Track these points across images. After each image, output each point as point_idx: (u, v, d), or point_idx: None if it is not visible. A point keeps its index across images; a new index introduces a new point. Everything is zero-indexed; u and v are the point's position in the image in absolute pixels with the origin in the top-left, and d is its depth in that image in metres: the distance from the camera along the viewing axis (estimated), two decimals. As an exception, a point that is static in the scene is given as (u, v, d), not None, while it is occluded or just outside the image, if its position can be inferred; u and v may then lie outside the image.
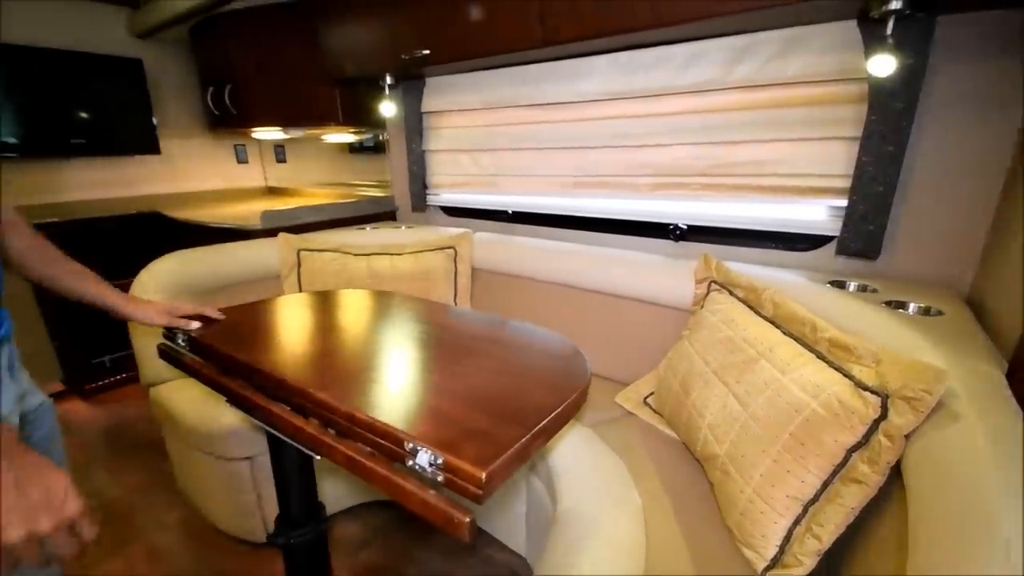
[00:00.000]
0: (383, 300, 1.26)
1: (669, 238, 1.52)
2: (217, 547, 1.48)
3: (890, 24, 0.96)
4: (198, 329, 0.99)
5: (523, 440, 0.62)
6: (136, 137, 2.54)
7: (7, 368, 0.83)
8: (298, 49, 1.99)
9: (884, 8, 0.94)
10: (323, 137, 2.87)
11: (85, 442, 2.05)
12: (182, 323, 0.98)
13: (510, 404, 0.71)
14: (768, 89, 1.25)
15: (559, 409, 0.71)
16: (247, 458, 1.33)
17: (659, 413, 1.30)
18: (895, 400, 0.69)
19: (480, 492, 0.55)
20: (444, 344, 0.95)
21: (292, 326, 1.05)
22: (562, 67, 1.52)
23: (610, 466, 1.12)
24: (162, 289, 1.46)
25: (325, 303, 1.21)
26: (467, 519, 0.56)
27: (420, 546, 1.48)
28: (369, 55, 1.71)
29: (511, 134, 1.77)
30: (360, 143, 3.12)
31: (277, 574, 1.38)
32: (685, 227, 1.49)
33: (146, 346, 1.44)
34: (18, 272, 0.91)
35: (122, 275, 1.52)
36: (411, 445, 0.61)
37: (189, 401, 1.36)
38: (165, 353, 1.04)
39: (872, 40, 1.06)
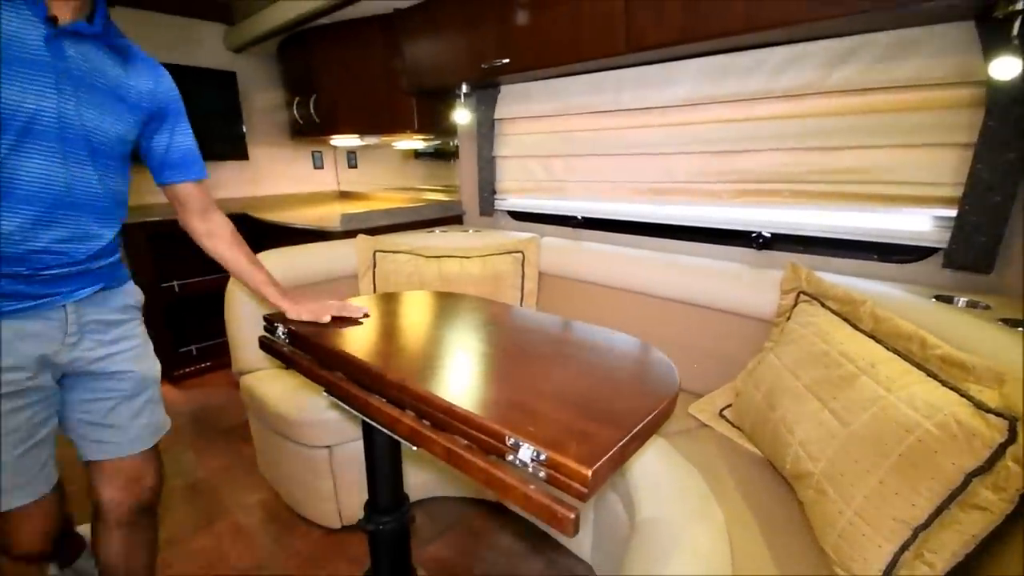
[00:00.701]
0: (458, 301, 1.30)
1: (751, 246, 1.48)
2: (295, 529, 1.58)
3: (1016, 25, 0.89)
4: (296, 323, 1.06)
5: (623, 441, 0.63)
6: (228, 144, 2.77)
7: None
8: (379, 61, 2.10)
9: (1011, 8, 0.88)
10: (393, 144, 3.00)
11: (173, 426, 2.23)
12: (324, 320, 1.05)
13: (602, 406, 0.72)
14: (871, 94, 1.19)
15: (653, 414, 0.71)
16: (327, 447, 1.41)
17: (738, 427, 1.27)
18: (1028, 424, 0.64)
19: (585, 490, 0.57)
20: (526, 345, 0.97)
21: (377, 324, 1.10)
22: (648, 73, 1.52)
23: (688, 478, 1.10)
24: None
25: (403, 303, 1.27)
26: (572, 515, 0.57)
27: (486, 545, 1.51)
28: (449, 66, 1.78)
29: (584, 140, 1.78)
30: (427, 149, 3.25)
31: (350, 558, 1.46)
32: (769, 235, 1.45)
33: (241, 336, 1.56)
34: (204, 248, 1.15)
35: (214, 271, 1.66)
36: (512, 440, 0.63)
37: (277, 390, 1.46)
38: (265, 345, 1.13)
39: (993, 42, 0.99)
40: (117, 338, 0.99)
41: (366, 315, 1.09)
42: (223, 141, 2.76)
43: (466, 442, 0.70)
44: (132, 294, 1.06)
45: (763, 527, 0.95)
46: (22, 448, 0.89)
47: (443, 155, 3.16)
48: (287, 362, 1.06)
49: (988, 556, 0.68)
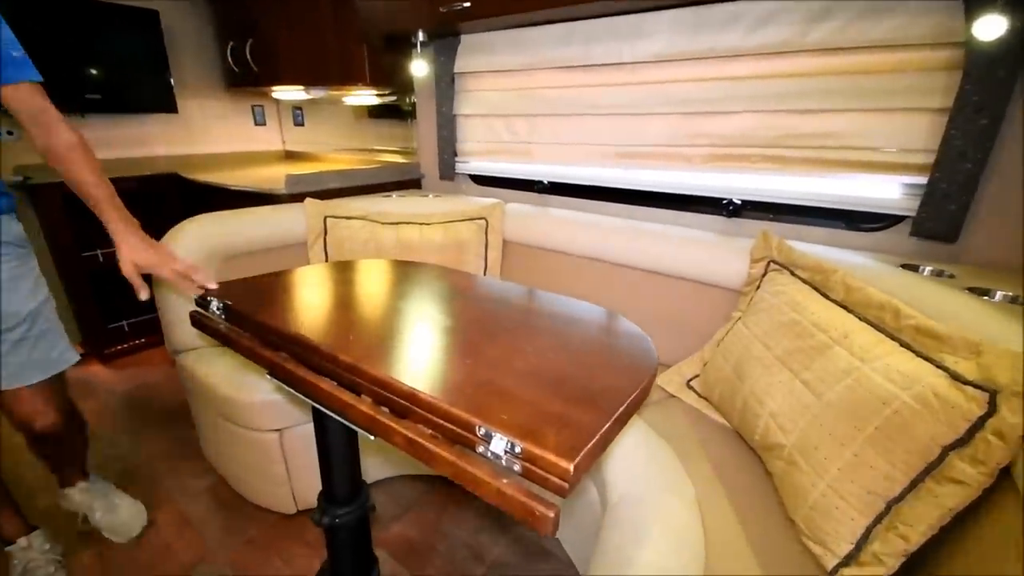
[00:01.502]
0: (418, 271, 1.21)
1: (721, 214, 1.45)
2: (247, 516, 1.49)
3: (1004, -22, 0.86)
4: (223, 294, 0.95)
5: (605, 427, 0.58)
6: (152, 95, 2.47)
7: None
8: (326, 2, 1.89)
9: (1001, -41, 0.84)
10: (344, 99, 2.77)
11: (106, 407, 2.06)
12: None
13: (579, 385, 0.67)
14: (848, 54, 1.16)
15: (635, 394, 0.66)
16: (277, 430, 1.31)
17: (705, 398, 1.26)
18: (1007, 396, 0.64)
19: (566, 485, 0.51)
20: (493, 318, 0.90)
21: (329, 297, 1.01)
22: (619, 24, 1.42)
23: (658, 451, 1.08)
24: (192, 250, 1.43)
25: (358, 273, 1.17)
26: (551, 513, 0.52)
27: (450, 521, 1.47)
28: (403, 9, 1.61)
29: (551, 99, 1.68)
30: (381, 107, 3.02)
31: (307, 543, 1.39)
32: (740, 202, 1.42)
33: (173, 312, 1.41)
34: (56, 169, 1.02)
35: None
36: (484, 430, 0.57)
37: (217, 371, 1.34)
38: (198, 321, 1.01)
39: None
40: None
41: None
42: (146, 90, 2.46)
43: (431, 431, 0.64)
44: (13, 228, 1.06)
45: (733, 500, 0.95)
46: None
47: (400, 113, 2.95)
48: (224, 341, 0.95)
49: (965, 529, 0.69)
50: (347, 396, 0.72)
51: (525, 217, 1.79)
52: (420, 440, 0.63)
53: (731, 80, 1.31)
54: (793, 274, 1.13)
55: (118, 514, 1.40)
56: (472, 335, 0.82)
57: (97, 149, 1.07)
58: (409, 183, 2.23)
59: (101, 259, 2.25)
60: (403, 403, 0.65)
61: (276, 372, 0.83)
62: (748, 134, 1.33)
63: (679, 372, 1.37)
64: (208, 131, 2.78)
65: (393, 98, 2.52)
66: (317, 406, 0.80)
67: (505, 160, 1.93)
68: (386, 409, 0.69)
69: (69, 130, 1.03)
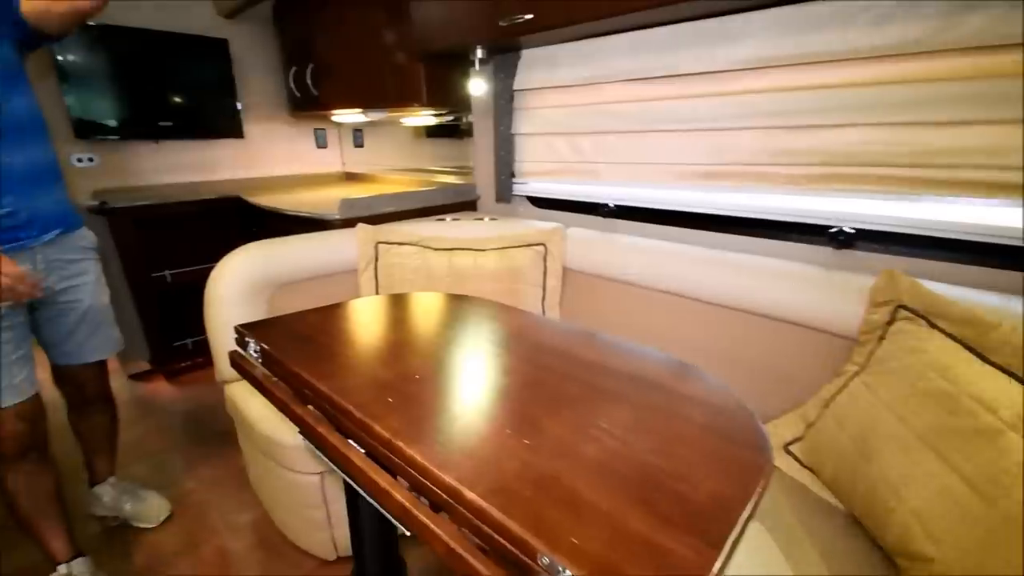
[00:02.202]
0: (468, 310, 1.10)
1: (828, 244, 1.24)
2: (286, 558, 1.42)
3: None
4: (263, 336, 0.88)
5: (716, 568, 0.42)
6: (221, 121, 2.58)
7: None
8: (383, 22, 1.87)
9: None
10: (402, 120, 2.77)
11: (165, 425, 2.10)
12: None
13: (673, 492, 0.51)
14: (1006, 52, 0.93)
15: (749, 507, 0.50)
16: (318, 473, 1.24)
17: (810, 469, 1.05)
18: None
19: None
20: (556, 377, 0.76)
21: (370, 343, 0.91)
22: (704, 29, 1.26)
23: (755, 536, 0.89)
24: (242, 279, 1.41)
25: (405, 312, 1.07)
26: None
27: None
28: (461, 25, 1.54)
29: (621, 114, 1.53)
30: (438, 127, 3.00)
31: (345, 601, 1.29)
32: (852, 231, 1.20)
33: (220, 341, 1.38)
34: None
35: (207, 260, 1.51)
36: (547, 560, 0.43)
37: (260, 407, 1.28)
38: (235, 363, 0.95)
39: None
40: (75, 273, 1.25)
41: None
42: (215, 117, 2.56)
43: (478, 542, 0.51)
44: (86, 237, 1.30)
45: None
46: (13, 357, 1.12)
47: (456, 132, 2.92)
48: (259, 388, 0.87)
49: None
50: (381, 477, 0.60)
51: (589, 243, 1.65)
52: (463, 553, 0.50)
53: (844, 87, 1.11)
54: (933, 325, 0.91)
55: (147, 503, 1.55)
56: (531, 401, 0.69)
57: (168, 174, 1.40)
58: (464, 205, 2.15)
59: (168, 279, 2.33)
60: (446, 499, 0.53)
61: (307, 433, 0.74)
62: (865, 150, 1.12)
63: (774, 432, 1.16)
64: (272, 154, 2.87)
65: (450, 117, 2.47)
66: (348, 480, 0.69)
67: (567, 181, 1.80)
68: (425, 501, 0.57)
69: None
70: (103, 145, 2.30)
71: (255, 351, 0.90)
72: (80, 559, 1.30)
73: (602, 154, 1.64)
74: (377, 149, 3.26)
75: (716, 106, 1.31)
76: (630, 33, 1.39)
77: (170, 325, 2.40)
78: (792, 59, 1.15)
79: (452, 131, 2.97)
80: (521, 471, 0.53)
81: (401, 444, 0.58)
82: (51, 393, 1.33)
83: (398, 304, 1.12)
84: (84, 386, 1.38)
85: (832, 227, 1.22)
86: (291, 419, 0.77)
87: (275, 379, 0.85)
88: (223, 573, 1.39)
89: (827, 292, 1.17)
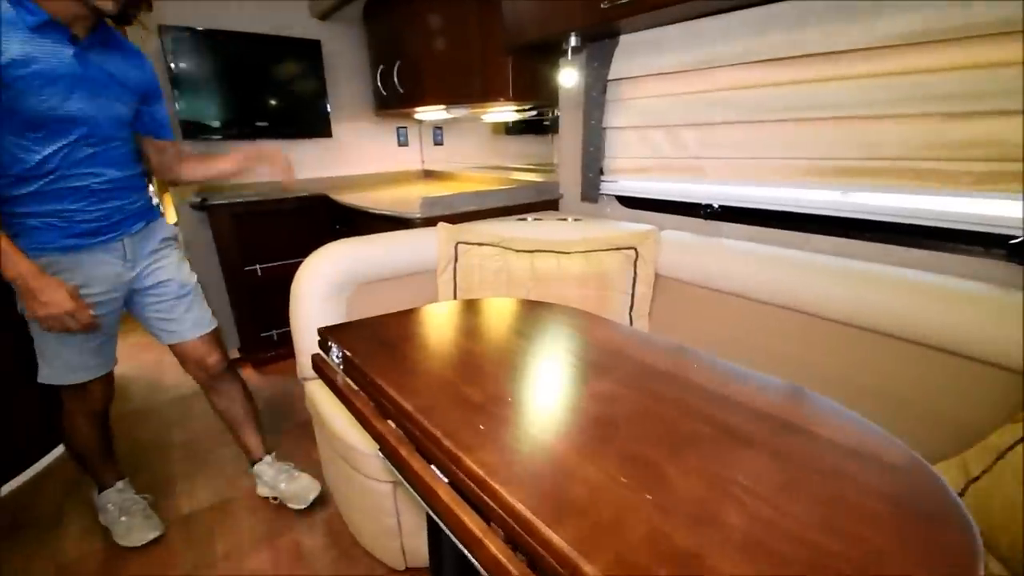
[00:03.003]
0: (561, 320, 1.00)
1: (999, 256, 1.01)
2: (356, 562, 1.41)
3: None
4: (348, 341, 0.83)
5: None
6: (312, 121, 2.67)
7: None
8: (471, 16, 1.82)
9: None
10: (483, 116, 2.73)
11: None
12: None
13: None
14: None
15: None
16: (391, 482, 1.19)
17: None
18: None
19: None
20: (669, 408, 0.64)
21: (455, 355, 0.84)
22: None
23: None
24: (325, 278, 1.41)
25: (491, 320, 1.00)
26: None
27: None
28: (559, 9, 1.44)
29: (737, 102, 1.36)
30: (518, 123, 2.93)
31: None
32: (1041, 243, 0.96)
33: (305, 339, 1.38)
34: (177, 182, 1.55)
35: (295, 255, 1.55)
36: None
37: (339, 410, 1.26)
38: (317, 367, 0.92)
39: None
40: (161, 259, 1.38)
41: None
42: (306, 117, 2.66)
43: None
44: (167, 228, 1.44)
45: None
46: (103, 339, 1.33)
47: (536, 128, 2.84)
48: (339, 396, 0.83)
49: None
50: (472, 521, 0.52)
51: (686, 247, 1.49)
52: (578, 640, 0.40)
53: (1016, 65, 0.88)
54: None
55: (300, 483, 1.62)
56: (645, 440, 0.57)
57: (259, 174, 1.52)
58: (546, 204, 2.06)
59: (259, 273, 2.45)
60: (555, 565, 0.43)
61: (388, 453, 0.67)
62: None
63: (925, 485, 0.95)
64: (357, 153, 2.94)
65: (533, 113, 2.39)
66: (432, 515, 0.61)
67: (663, 179, 1.65)
68: (523, 558, 0.48)
69: (176, 145, 1.48)
70: (207, 144, 2.45)
71: (337, 356, 0.86)
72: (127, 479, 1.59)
73: (709, 148, 1.47)
74: (456, 147, 3.26)
75: (860, 90, 1.11)
76: (750, 10, 1.22)
77: (259, 316, 2.52)
78: (941, 34, 0.93)
79: (533, 128, 2.89)
80: (651, 541, 0.43)
81: (497, 486, 0.50)
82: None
83: (483, 311, 1.04)
84: (203, 363, 1.47)
85: (1007, 235, 0.99)
86: (371, 434, 0.71)
87: (356, 388, 0.80)
88: (296, 568, 1.39)
89: (1000, 316, 0.94)
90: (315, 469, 1.71)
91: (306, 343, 1.38)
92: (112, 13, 1.08)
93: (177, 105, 2.28)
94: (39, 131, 1.08)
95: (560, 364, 0.81)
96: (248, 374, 2.56)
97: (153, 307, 1.39)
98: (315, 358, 0.92)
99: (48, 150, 1.10)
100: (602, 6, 1.27)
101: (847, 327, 1.13)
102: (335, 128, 2.78)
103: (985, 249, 1.05)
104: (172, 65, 2.23)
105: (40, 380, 1.29)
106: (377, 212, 1.94)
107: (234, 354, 2.65)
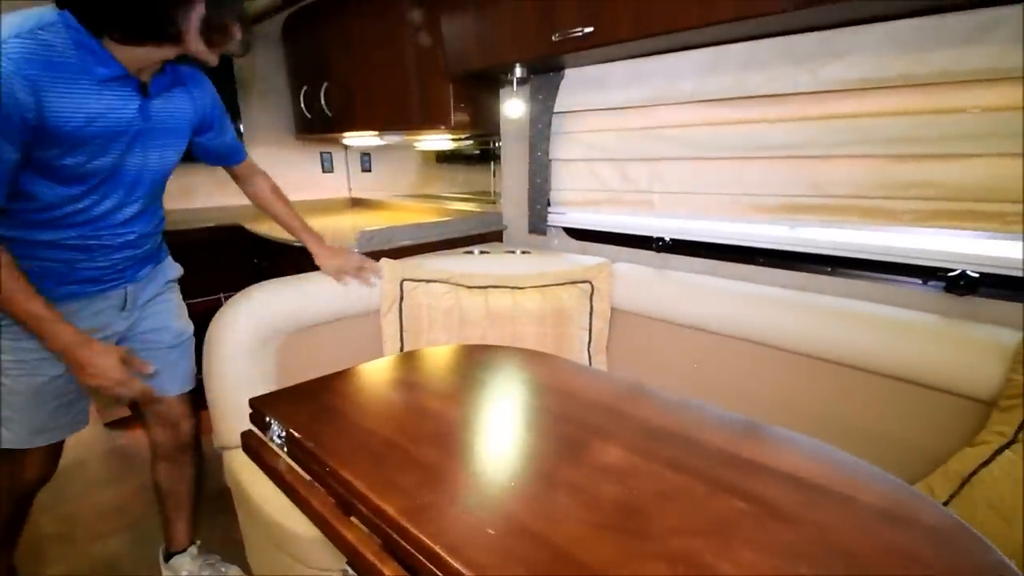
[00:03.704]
0: (540, 368, 0.91)
1: (948, 290, 1.07)
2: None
3: None
4: (287, 417, 0.69)
5: None
6: (222, 143, 2.39)
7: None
8: (408, 41, 1.72)
9: None
10: (415, 144, 2.62)
11: (148, 485, 1.84)
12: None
13: None
14: None
15: None
16: (340, 571, 1.01)
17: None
18: None
19: None
20: (704, 482, 0.57)
21: (439, 427, 0.71)
22: (799, 44, 1.11)
23: None
24: (252, 329, 1.21)
25: (469, 374, 0.88)
26: None
27: None
28: (506, 40, 1.39)
29: (685, 139, 1.37)
30: (450, 152, 2.86)
31: None
32: (977, 275, 1.03)
33: (227, 399, 1.16)
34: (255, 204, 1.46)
35: (205, 292, 1.35)
36: None
37: (270, 488, 1.06)
38: (249, 446, 0.75)
39: None
40: (160, 303, 1.21)
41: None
42: (216, 139, 2.38)
43: None
44: (173, 268, 1.29)
45: None
46: (76, 392, 1.11)
47: (470, 158, 2.78)
48: (286, 490, 0.67)
49: None
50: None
51: (640, 280, 1.47)
52: None
53: (974, 111, 0.96)
54: None
55: None
56: (681, 530, 0.49)
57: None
58: (490, 236, 1.98)
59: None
60: None
61: (364, 570, 0.53)
62: (997, 185, 0.96)
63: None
64: (276, 179, 2.67)
65: (469, 142, 2.32)
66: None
67: (612, 212, 1.63)
68: None
69: (264, 176, 1.45)
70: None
71: (279, 436, 0.70)
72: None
73: (657, 182, 1.48)
74: (385, 174, 3.10)
75: (805, 131, 1.15)
76: (702, 50, 1.25)
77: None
78: (908, 79, 1.00)
79: (465, 156, 2.82)
80: None
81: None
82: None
83: (458, 362, 0.93)
84: (177, 426, 1.27)
85: (951, 270, 1.06)
86: (338, 545, 0.57)
87: (307, 477, 0.64)
88: None
89: (947, 344, 1.00)
90: (236, 551, 1.44)
91: (227, 407, 1.17)
92: (214, 66, 0.97)
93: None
94: (82, 184, 0.93)
95: (551, 429, 0.71)
96: (141, 437, 2.17)
97: (139, 354, 1.15)
98: (247, 437, 0.75)
99: (84, 203, 0.95)
100: (553, 38, 1.24)
101: (802, 357, 1.15)
102: (250, 151, 2.50)
103: (924, 281, 1.11)
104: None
105: None
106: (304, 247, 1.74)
107: (123, 411, 2.25)
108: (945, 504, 0.92)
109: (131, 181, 1.00)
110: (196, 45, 0.88)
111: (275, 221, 1.45)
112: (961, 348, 0.98)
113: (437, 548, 0.46)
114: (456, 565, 0.45)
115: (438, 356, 0.98)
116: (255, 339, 1.19)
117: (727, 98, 1.23)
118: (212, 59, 0.94)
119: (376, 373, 0.90)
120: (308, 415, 0.71)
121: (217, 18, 0.88)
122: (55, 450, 1.15)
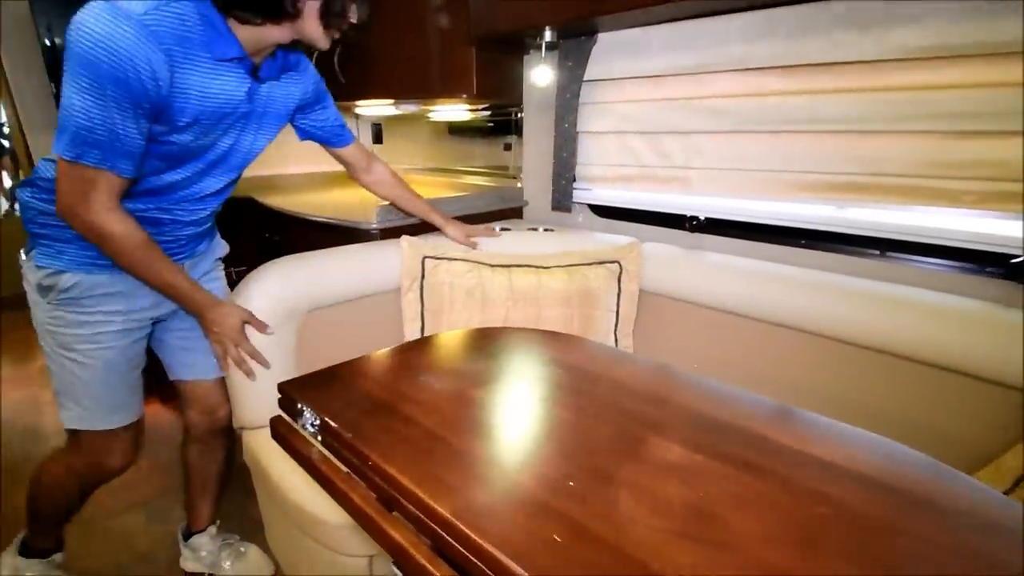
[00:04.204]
0: (579, 354, 0.87)
1: (1007, 276, 1.01)
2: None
3: None
4: (323, 405, 0.65)
5: None
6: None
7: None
8: (430, 2, 1.63)
9: None
10: (429, 114, 2.53)
11: (162, 462, 1.84)
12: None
13: None
14: None
15: None
16: (368, 556, 0.99)
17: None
18: None
19: None
20: (781, 486, 0.53)
21: (482, 414, 0.67)
22: (860, 9, 1.02)
23: None
24: (272, 306, 1.16)
25: (508, 358, 0.84)
26: None
27: None
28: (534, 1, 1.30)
29: (726, 111, 1.29)
30: (462, 123, 2.76)
31: None
32: (1045, 262, 0.97)
33: (246, 381, 1.13)
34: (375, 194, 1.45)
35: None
36: None
37: (293, 470, 1.03)
38: (279, 434, 0.71)
39: None
40: (209, 281, 1.19)
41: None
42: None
43: None
44: (222, 246, 1.27)
45: None
46: (137, 372, 1.11)
47: (482, 131, 2.68)
48: (317, 477, 0.64)
49: None
50: None
51: (671, 261, 1.41)
52: None
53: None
54: None
55: (247, 561, 1.38)
56: (767, 540, 0.45)
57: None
58: (509, 212, 1.91)
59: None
60: None
61: (392, 548, 0.50)
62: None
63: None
64: (286, 151, 2.59)
65: (486, 112, 2.23)
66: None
67: (643, 188, 1.56)
68: None
69: (383, 163, 1.44)
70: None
71: (312, 425, 0.66)
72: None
73: (694, 158, 1.40)
74: (396, 146, 3.01)
75: (863, 104, 1.07)
76: (750, 13, 1.16)
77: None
78: (980, 47, 0.92)
79: (479, 129, 2.73)
80: None
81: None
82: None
83: (493, 346, 0.88)
84: (213, 412, 1.25)
85: (1014, 256, 1.00)
86: (379, 539, 0.53)
87: (345, 470, 0.61)
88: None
89: (1002, 335, 0.94)
90: (253, 529, 1.44)
91: (248, 387, 1.13)
92: (324, 49, 0.96)
93: (55, 89, 1.87)
94: (175, 160, 0.94)
95: (602, 420, 0.67)
96: (157, 411, 2.17)
97: (179, 333, 1.17)
98: (276, 423, 0.72)
99: (169, 179, 0.95)
100: (592, -3, 1.15)
101: (843, 344, 1.10)
102: (258, 122, 2.44)
103: (983, 267, 1.05)
104: (47, 41, 1.82)
105: (67, 425, 1.04)
106: (322, 221, 1.69)
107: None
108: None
109: (219, 160, 1.01)
110: (313, 26, 0.89)
111: (401, 210, 1.49)
112: (1018, 339, 0.93)
113: (499, 555, 0.43)
114: (521, 572, 0.41)
115: (471, 339, 0.93)
116: (273, 319, 1.15)
117: (780, 66, 1.15)
118: (324, 43, 0.94)
119: (408, 357, 0.86)
120: (343, 402, 0.67)
121: (339, 1, 0.89)
122: (137, 434, 1.14)
